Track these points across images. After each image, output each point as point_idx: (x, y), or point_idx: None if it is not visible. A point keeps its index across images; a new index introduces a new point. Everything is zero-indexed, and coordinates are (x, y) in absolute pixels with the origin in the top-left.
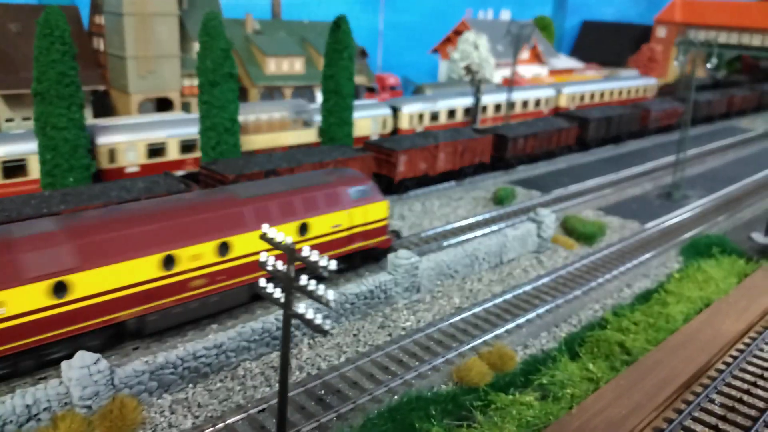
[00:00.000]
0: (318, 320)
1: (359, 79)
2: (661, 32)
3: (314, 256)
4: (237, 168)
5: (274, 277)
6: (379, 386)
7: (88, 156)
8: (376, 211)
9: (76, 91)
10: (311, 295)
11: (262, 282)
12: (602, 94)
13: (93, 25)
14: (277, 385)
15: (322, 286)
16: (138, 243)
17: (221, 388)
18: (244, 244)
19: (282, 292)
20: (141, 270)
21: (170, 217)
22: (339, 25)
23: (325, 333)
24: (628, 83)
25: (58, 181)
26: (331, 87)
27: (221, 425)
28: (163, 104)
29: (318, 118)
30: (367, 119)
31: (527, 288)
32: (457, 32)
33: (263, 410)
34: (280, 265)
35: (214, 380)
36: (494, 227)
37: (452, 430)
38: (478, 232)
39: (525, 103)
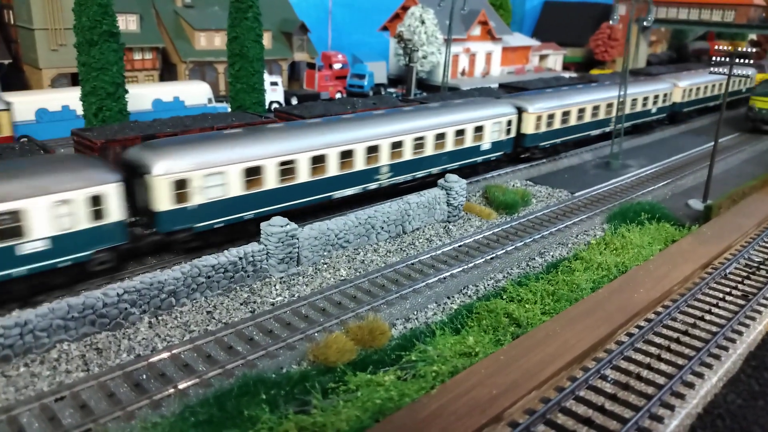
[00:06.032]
0: None
1: (300, 56)
2: (621, 10)
3: None
4: (110, 134)
5: None
6: (213, 368)
7: None
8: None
9: None
10: None
11: None
12: None
13: None
14: (96, 368)
15: None
16: None
17: (24, 374)
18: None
19: None
20: None
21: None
22: None
23: None
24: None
25: None
26: (236, 50)
27: (2, 417)
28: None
29: None
30: None
31: (424, 257)
32: (405, 8)
33: (62, 398)
34: None
35: (17, 364)
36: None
37: (285, 418)
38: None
39: None
